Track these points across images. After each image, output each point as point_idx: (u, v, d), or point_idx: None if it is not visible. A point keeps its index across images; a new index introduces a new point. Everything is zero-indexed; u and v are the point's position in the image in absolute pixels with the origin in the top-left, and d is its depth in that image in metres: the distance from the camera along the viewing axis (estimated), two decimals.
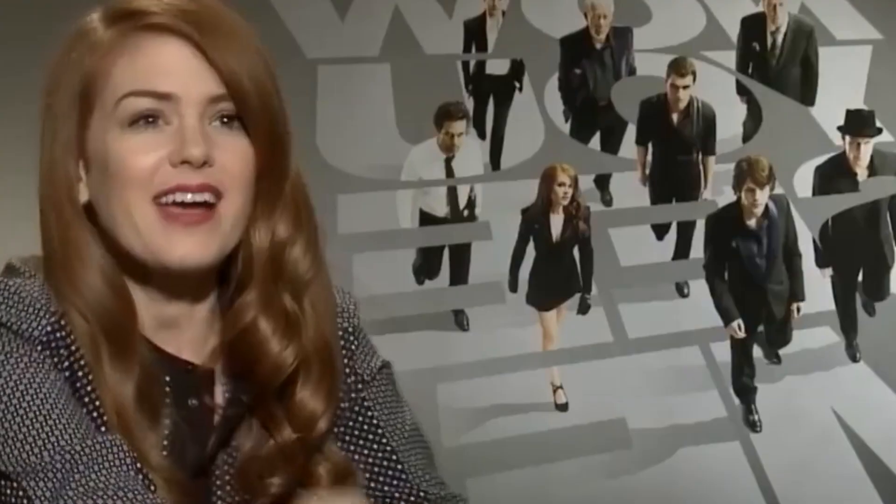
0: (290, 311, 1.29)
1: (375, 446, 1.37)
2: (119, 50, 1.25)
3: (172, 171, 1.23)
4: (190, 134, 1.23)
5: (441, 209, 4.20)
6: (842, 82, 4.53)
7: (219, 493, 1.29)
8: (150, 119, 1.24)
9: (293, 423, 1.29)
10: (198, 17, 1.26)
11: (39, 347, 1.21)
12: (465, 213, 4.23)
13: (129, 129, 1.24)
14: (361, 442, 1.36)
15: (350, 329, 1.39)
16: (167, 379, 1.27)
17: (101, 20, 1.28)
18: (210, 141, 1.24)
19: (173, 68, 1.24)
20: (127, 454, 1.18)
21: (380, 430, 1.37)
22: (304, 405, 1.29)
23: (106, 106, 1.25)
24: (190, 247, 1.24)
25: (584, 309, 4.24)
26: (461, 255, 4.20)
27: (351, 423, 1.37)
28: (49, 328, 1.22)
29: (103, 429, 1.21)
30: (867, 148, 4.49)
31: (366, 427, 1.37)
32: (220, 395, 1.31)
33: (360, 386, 1.38)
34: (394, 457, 1.36)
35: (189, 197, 1.23)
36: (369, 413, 1.38)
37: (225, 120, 1.26)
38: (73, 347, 1.23)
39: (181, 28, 1.25)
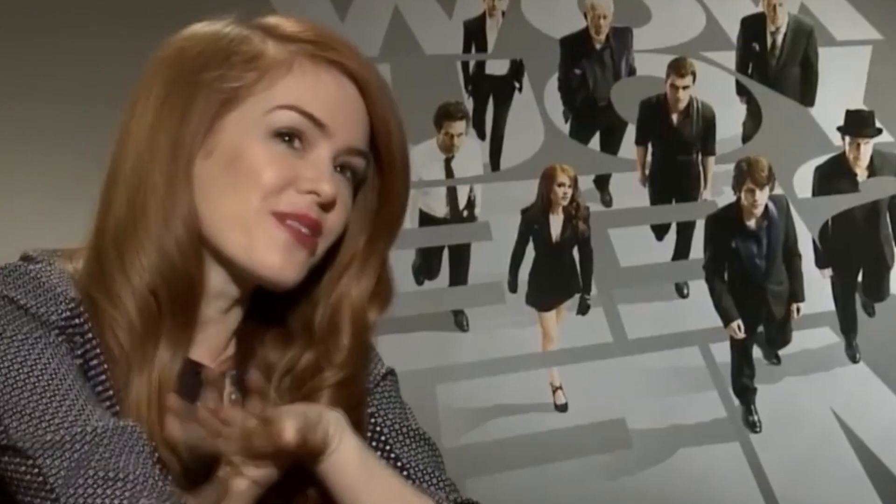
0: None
1: (379, 454, 1.35)
2: (286, 68, 1.29)
3: (297, 195, 1.27)
4: (327, 171, 1.28)
5: (441, 209, 4.20)
6: (841, 82, 4.53)
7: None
8: (290, 137, 1.28)
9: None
10: (375, 75, 1.32)
11: (56, 332, 1.23)
12: (465, 213, 4.23)
13: (271, 139, 1.28)
14: None
15: None
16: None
17: (261, 33, 1.31)
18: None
19: (338, 105, 1.29)
20: (144, 442, 1.19)
21: (383, 438, 1.37)
22: None
23: (253, 110, 1.28)
24: (287, 261, 1.27)
25: (583, 309, 4.24)
26: (461, 256, 4.19)
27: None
28: (67, 314, 1.24)
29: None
30: (867, 148, 4.49)
31: (368, 435, 1.37)
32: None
33: None
34: (398, 464, 1.36)
35: (296, 224, 1.27)
36: (372, 420, 1.38)
37: (338, 169, 1.30)
38: (88, 335, 1.24)
39: (362, 77, 1.30)
